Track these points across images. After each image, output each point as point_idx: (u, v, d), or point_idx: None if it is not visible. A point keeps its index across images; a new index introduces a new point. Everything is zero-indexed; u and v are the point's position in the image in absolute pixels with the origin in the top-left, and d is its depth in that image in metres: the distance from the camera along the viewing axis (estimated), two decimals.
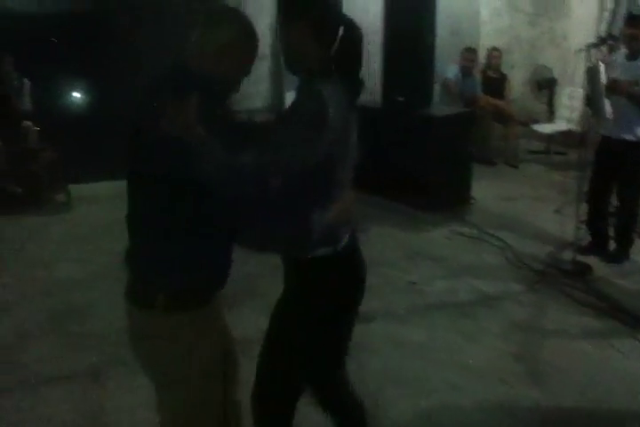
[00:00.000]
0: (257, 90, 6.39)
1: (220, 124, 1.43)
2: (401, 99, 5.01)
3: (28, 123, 5.21)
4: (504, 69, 6.73)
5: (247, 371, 1.80)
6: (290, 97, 5.97)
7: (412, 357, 2.84)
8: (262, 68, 6.41)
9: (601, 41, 3.91)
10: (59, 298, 3.39)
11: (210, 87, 1.43)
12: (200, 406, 1.58)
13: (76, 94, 6.19)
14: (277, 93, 6.40)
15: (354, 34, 1.54)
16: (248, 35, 1.51)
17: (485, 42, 7.11)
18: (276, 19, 1.58)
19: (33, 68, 5.36)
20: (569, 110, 6.40)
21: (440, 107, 5.52)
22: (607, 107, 3.56)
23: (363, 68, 1.58)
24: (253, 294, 3.28)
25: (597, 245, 3.98)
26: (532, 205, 4.98)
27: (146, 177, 1.44)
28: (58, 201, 5.08)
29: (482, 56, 6.72)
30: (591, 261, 3.81)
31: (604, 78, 3.51)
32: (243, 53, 1.50)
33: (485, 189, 5.23)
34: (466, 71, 6.30)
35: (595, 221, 3.96)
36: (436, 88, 5.79)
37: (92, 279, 3.55)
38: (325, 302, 1.64)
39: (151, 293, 1.49)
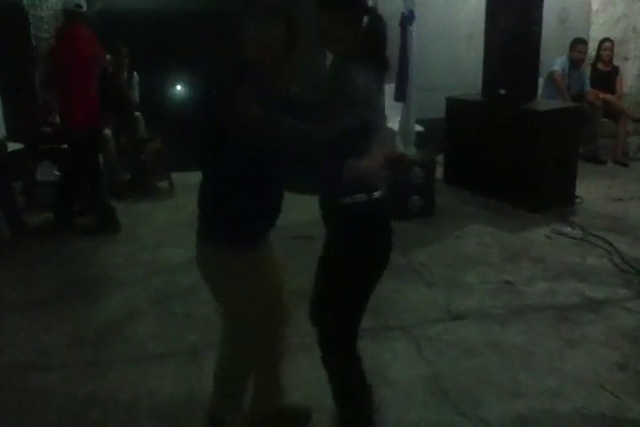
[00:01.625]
0: None
1: (277, 104, 1.75)
2: (503, 92, 4.84)
3: (138, 114, 5.52)
4: (616, 62, 6.34)
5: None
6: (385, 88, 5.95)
7: (507, 358, 2.75)
8: None
9: None
10: (163, 280, 3.58)
11: (261, 75, 1.75)
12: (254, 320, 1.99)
13: (179, 87, 6.49)
14: None
15: (376, 22, 1.87)
16: (291, 34, 1.78)
17: (596, 32, 6.71)
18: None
19: (140, 62, 5.66)
20: None
21: (545, 101, 5.29)
22: None
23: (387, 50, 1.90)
24: None
25: None
26: None
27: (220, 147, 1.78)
28: (162, 188, 5.37)
29: (592, 48, 6.35)
30: None
31: None
32: (286, 48, 1.77)
33: (592, 189, 4.98)
34: (574, 63, 5.98)
35: None
36: (541, 81, 5.55)
37: (192, 263, 3.71)
38: (360, 246, 1.89)
39: (220, 233, 1.89)
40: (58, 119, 4.94)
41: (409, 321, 3.07)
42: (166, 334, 2.99)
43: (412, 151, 4.62)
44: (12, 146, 4.63)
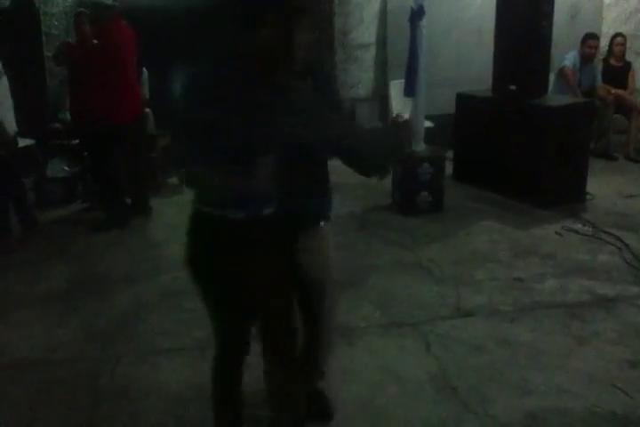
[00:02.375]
0: (361, 78, 6.38)
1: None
2: (513, 88, 4.80)
3: (148, 110, 5.51)
4: (629, 57, 6.27)
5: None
6: (394, 86, 5.91)
7: (516, 355, 2.74)
8: (367, 56, 6.39)
9: None
10: (172, 275, 3.58)
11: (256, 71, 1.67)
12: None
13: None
14: (382, 82, 6.35)
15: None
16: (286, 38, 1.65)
17: (608, 27, 6.64)
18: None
19: (149, 58, 5.65)
20: None
21: (555, 97, 5.24)
22: None
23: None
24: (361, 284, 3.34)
25: None
26: None
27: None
28: (171, 184, 5.38)
29: (604, 42, 6.29)
30: None
31: None
32: (278, 53, 1.67)
33: (603, 185, 4.93)
34: (586, 59, 5.92)
35: None
36: (552, 76, 5.50)
37: None
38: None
39: None
40: (68, 116, 4.96)
41: (418, 318, 3.06)
42: (175, 329, 3.00)
43: (421, 147, 4.60)
44: (23, 142, 4.65)
